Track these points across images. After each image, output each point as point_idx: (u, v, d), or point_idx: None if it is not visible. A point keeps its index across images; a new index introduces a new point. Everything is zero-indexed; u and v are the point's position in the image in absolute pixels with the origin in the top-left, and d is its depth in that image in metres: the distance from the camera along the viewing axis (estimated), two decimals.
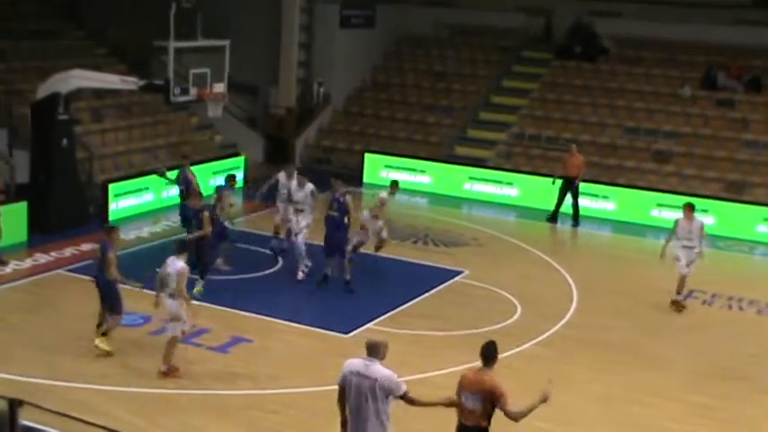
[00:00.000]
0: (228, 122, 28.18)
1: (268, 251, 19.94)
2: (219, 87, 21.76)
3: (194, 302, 16.38)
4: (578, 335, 16.59)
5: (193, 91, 21.21)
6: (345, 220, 17.98)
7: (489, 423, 9.76)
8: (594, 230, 24.00)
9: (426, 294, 18.21)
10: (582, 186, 24.07)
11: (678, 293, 18.08)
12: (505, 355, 15.33)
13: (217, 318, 16.27)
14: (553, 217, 24.27)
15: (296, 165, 22.98)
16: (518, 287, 18.45)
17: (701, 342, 16.76)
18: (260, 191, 20.66)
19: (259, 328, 16.06)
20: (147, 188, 23.29)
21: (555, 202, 24.18)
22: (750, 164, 25.85)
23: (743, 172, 25.65)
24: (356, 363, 9.59)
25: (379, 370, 9.47)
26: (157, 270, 14.12)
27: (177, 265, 13.75)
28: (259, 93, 31.06)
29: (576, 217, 24.14)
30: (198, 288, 16.98)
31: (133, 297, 15.05)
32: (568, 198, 24.15)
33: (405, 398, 9.58)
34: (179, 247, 14.09)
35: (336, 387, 9.67)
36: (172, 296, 13.71)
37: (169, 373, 13.82)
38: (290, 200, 19.14)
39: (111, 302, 14.49)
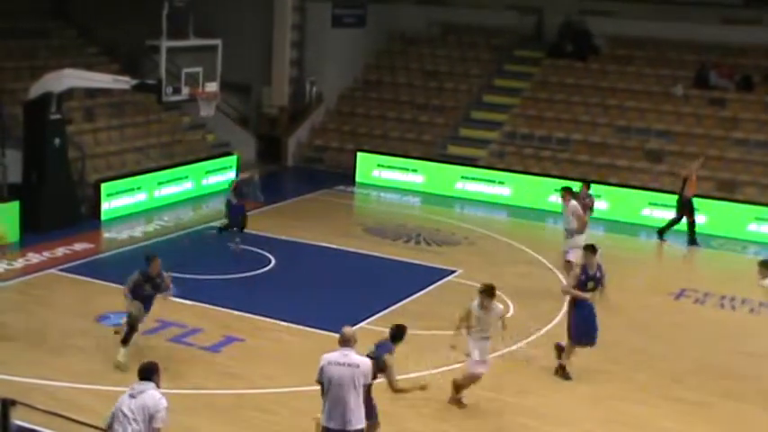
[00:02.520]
0: (221, 122, 28.15)
1: None
2: (212, 87, 21.76)
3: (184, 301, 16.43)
4: None
5: (186, 90, 21.21)
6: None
7: None
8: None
9: (419, 294, 18.23)
10: (576, 186, 23.90)
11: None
12: (496, 354, 15.42)
13: (209, 317, 16.27)
14: (693, 239, 23.14)
15: None
16: (510, 286, 18.46)
17: (692, 341, 16.80)
18: None
19: (251, 328, 16.07)
20: (139, 188, 23.29)
21: (688, 226, 23.17)
22: (742, 162, 25.89)
23: (734, 171, 25.68)
24: (333, 355, 10.00)
25: (358, 357, 10.00)
26: None
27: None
28: (251, 92, 31.06)
29: (691, 235, 23.17)
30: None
31: (115, 294, 14.98)
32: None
33: (369, 386, 10.15)
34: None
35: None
36: None
37: None
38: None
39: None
